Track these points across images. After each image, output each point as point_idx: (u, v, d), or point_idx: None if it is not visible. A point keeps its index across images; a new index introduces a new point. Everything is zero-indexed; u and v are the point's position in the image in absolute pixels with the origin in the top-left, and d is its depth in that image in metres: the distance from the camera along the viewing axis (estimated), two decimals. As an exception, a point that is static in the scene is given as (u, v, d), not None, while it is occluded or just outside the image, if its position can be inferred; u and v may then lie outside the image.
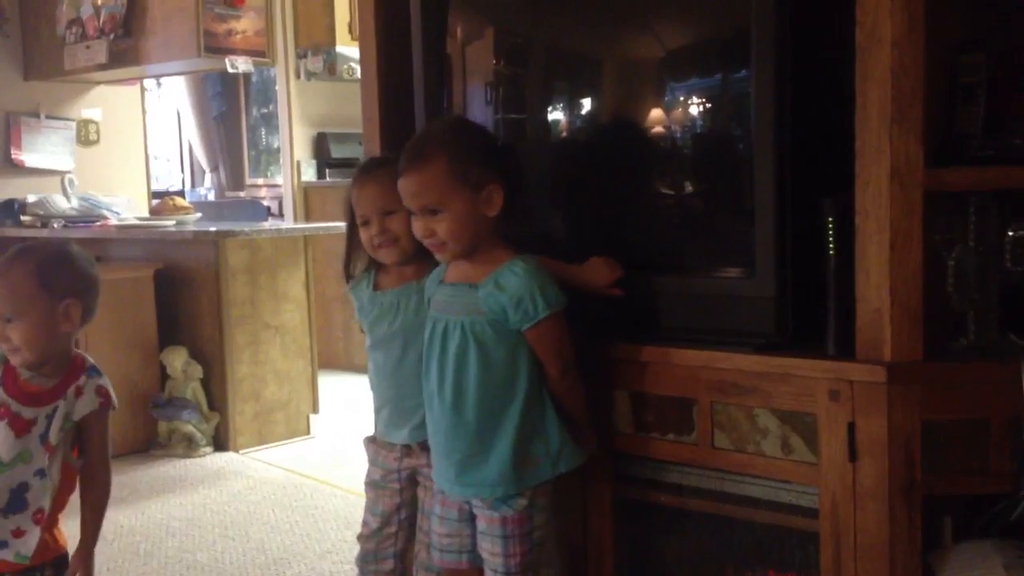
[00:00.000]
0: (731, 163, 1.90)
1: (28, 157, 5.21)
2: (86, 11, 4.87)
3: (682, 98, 1.99)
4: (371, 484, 2.13)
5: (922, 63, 1.62)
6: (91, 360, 1.95)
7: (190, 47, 4.58)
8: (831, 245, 1.71)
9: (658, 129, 2.00)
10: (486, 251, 1.81)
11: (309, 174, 6.38)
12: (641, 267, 1.90)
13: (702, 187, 1.98)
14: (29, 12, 5.25)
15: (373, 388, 2.11)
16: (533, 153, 2.20)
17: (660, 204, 2.03)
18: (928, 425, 1.65)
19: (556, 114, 2.21)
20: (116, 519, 3.52)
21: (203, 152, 8.50)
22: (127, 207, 5.39)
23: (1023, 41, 1.77)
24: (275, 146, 7.80)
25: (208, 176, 8.60)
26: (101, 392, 1.90)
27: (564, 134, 2.17)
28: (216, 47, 4.61)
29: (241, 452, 4.41)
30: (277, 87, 6.42)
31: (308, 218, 6.25)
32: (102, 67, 4.88)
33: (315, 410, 4.80)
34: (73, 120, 5.41)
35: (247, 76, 7.79)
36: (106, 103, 5.56)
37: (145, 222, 5.01)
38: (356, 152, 6.10)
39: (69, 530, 1.96)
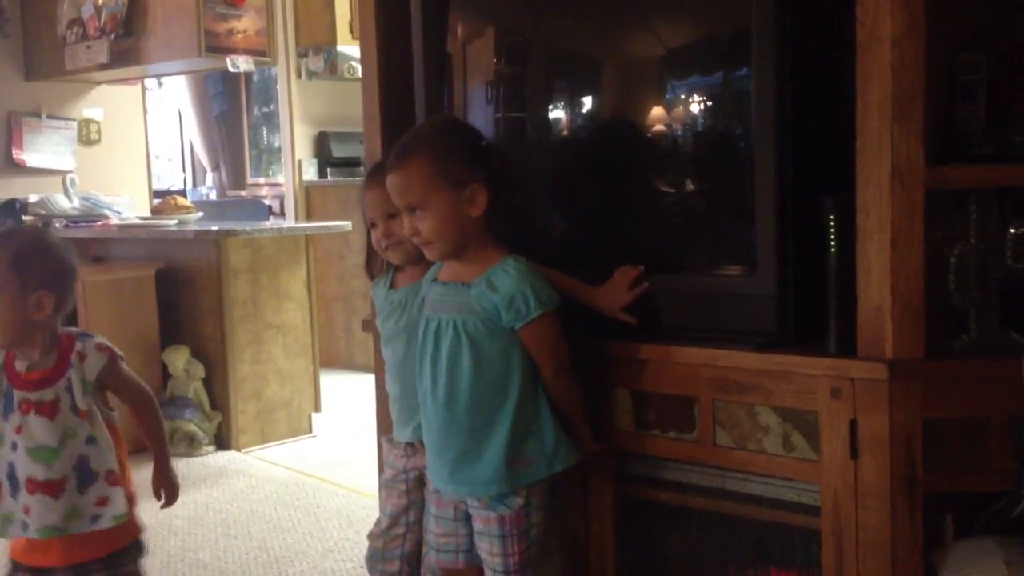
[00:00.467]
0: (732, 161, 1.90)
1: (29, 157, 5.22)
2: (87, 11, 4.87)
3: (683, 97, 1.99)
4: (383, 483, 2.16)
5: (923, 61, 1.62)
6: (77, 330, 1.99)
7: (191, 47, 4.58)
8: (832, 243, 1.72)
9: (659, 128, 2.00)
10: (477, 250, 1.81)
11: (310, 173, 6.38)
12: (640, 265, 1.90)
13: (703, 185, 1.98)
14: (30, 12, 5.25)
15: (387, 385, 2.13)
16: (533, 152, 2.21)
17: (661, 203, 2.04)
18: (929, 423, 1.65)
19: (557, 113, 2.21)
20: (119, 518, 3.53)
21: (204, 151, 8.50)
22: (128, 206, 5.40)
23: (1023, 40, 1.77)
24: (276, 145, 7.81)
25: (209, 175, 8.60)
26: (102, 348, 1.94)
27: (565, 133, 2.17)
28: (217, 46, 4.61)
29: (243, 451, 4.42)
30: (278, 86, 6.43)
31: (309, 217, 6.25)
32: (103, 67, 4.88)
33: (317, 409, 4.80)
34: (74, 120, 5.41)
35: (248, 75, 7.80)
36: (107, 103, 5.56)
37: (146, 221, 5.02)
38: (357, 151, 6.10)
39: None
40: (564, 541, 2.04)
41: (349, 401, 5.08)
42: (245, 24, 4.71)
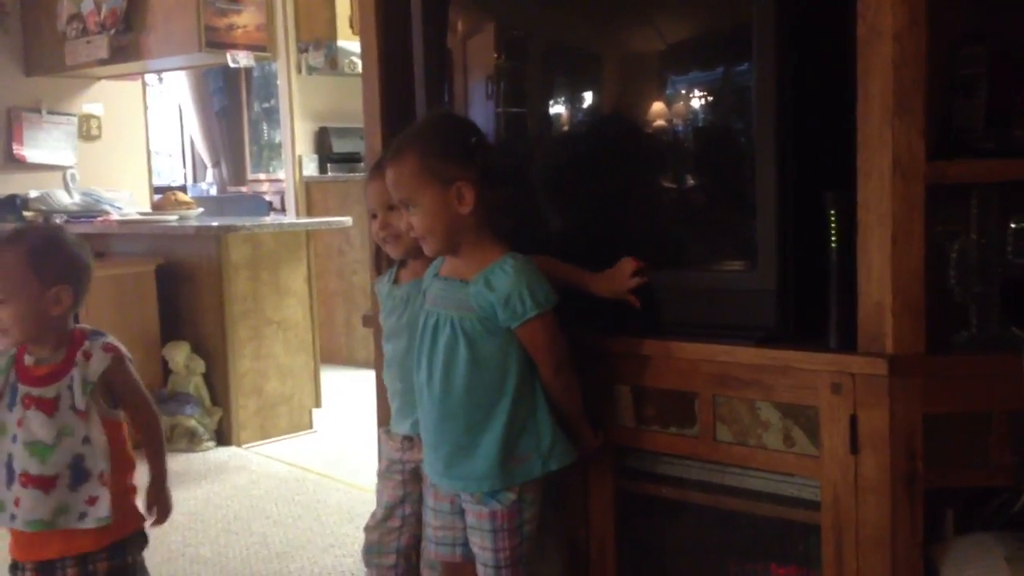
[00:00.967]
0: (733, 156, 1.90)
1: (30, 152, 5.22)
2: (87, 6, 4.87)
3: (683, 92, 1.99)
4: (379, 474, 2.16)
5: (923, 56, 1.62)
6: (90, 327, 1.99)
7: (191, 42, 4.58)
8: (833, 238, 1.72)
9: (659, 123, 2.00)
10: (475, 247, 1.82)
11: (311, 169, 6.38)
12: (643, 261, 1.90)
13: (704, 180, 1.98)
14: (30, 7, 5.25)
15: (386, 379, 2.13)
16: (534, 147, 2.21)
17: (661, 198, 2.04)
18: (929, 418, 1.65)
19: (557, 108, 2.21)
20: (119, 514, 3.53)
21: (205, 147, 8.50)
22: (129, 202, 5.40)
23: (1024, 34, 1.77)
24: (276, 141, 7.79)
25: (210, 171, 8.60)
26: (108, 348, 1.94)
27: (565, 128, 2.17)
28: (217, 42, 4.61)
29: (244, 446, 4.42)
30: (278, 82, 6.42)
31: (310, 213, 6.25)
32: (103, 62, 4.88)
33: (317, 404, 4.80)
34: (75, 115, 5.41)
35: (248, 71, 7.79)
36: (107, 98, 5.56)
37: (147, 217, 5.02)
38: (357, 147, 6.10)
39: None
40: (564, 537, 2.04)
41: (349, 397, 5.08)
42: (245, 19, 4.71)
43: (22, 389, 1.87)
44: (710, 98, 1.95)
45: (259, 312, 4.50)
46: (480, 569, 1.87)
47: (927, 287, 1.65)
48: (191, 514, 3.54)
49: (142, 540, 1.99)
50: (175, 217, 4.89)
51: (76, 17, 4.93)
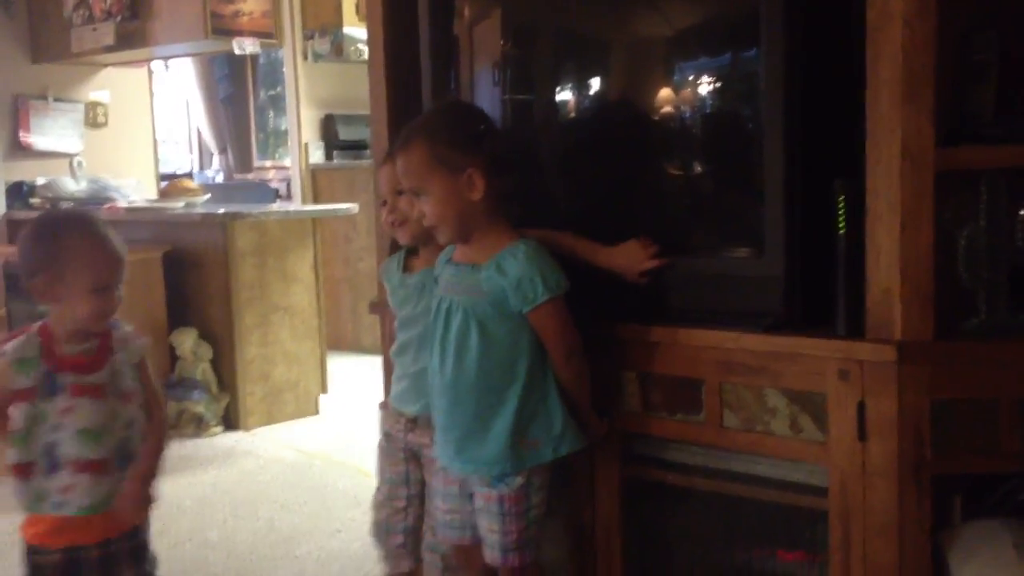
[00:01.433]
0: (741, 142, 1.89)
1: (36, 140, 5.22)
2: (93, -7, 4.87)
3: (691, 78, 1.98)
4: (379, 448, 2.19)
5: (934, 42, 1.61)
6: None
7: (197, 28, 4.58)
8: (841, 225, 1.71)
9: (667, 109, 1.99)
10: (487, 233, 1.83)
11: (317, 156, 6.37)
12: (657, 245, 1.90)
13: (711, 167, 1.98)
14: (36, -6, 5.24)
15: (395, 361, 2.14)
16: (541, 134, 2.20)
17: (669, 184, 2.03)
18: (938, 404, 1.65)
19: (564, 95, 2.21)
20: (127, 499, 3.54)
21: (211, 134, 8.49)
22: (136, 189, 5.40)
23: (1035, 19, 1.76)
24: (283, 128, 7.79)
25: (216, 159, 8.60)
26: (139, 335, 1.98)
27: (572, 114, 2.16)
28: (223, 28, 4.60)
29: (251, 432, 4.43)
30: (284, 69, 6.41)
31: (316, 200, 6.25)
32: (109, 49, 4.88)
33: (324, 390, 4.81)
34: (81, 102, 5.41)
35: (254, 58, 7.77)
36: (114, 85, 5.56)
37: (154, 204, 5.02)
38: (364, 134, 6.09)
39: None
40: (570, 522, 2.05)
41: (355, 382, 5.09)
42: (251, 6, 4.70)
43: (67, 378, 1.85)
44: (718, 84, 1.95)
45: (266, 299, 4.51)
46: (487, 552, 1.88)
47: (936, 274, 1.65)
48: (199, 499, 3.55)
49: (150, 522, 2.01)
50: (181, 204, 4.90)
51: (82, 4, 4.93)
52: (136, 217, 4.80)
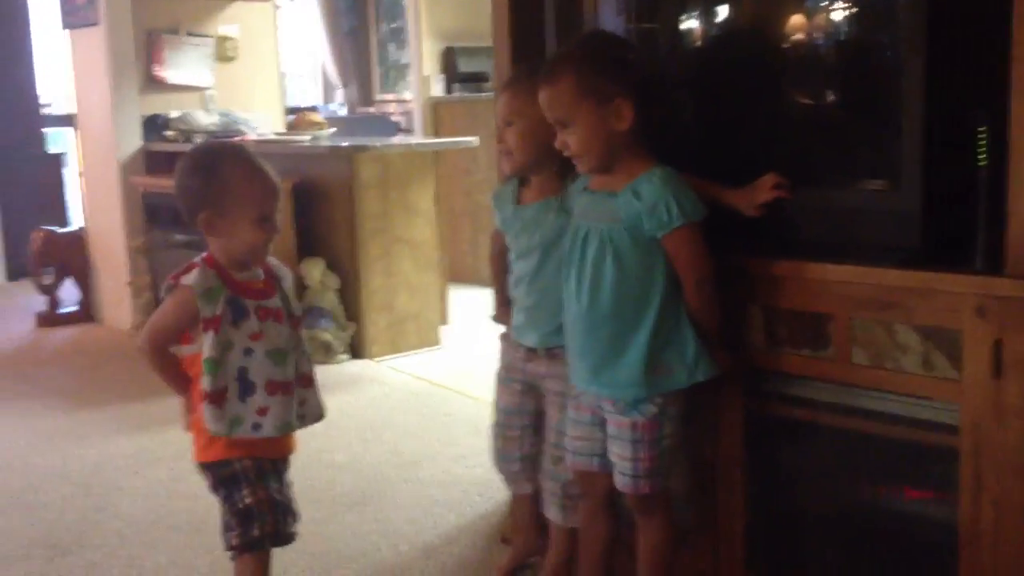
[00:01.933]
0: (877, 72, 1.83)
1: (169, 73, 5.37)
2: (222, -73, 4.95)
3: (824, 2, 1.92)
4: (498, 378, 2.24)
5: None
6: None
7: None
8: (982, 156, 1.65)
9: (799, 37, 1.94)
10: (626, 161, 1.83)
11: (437, 89, 6.41)
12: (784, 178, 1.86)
13: (846, 97, 1.93)
14: (168, -71, 5.35)
15: (512, 293, 2.16)
16: (668, 64, 2.17)
17: (800, 115, 1.99)
18: (1080, 343, 1.59)
19: (691, 22, 2.17)
20: (260, 421, 3.70)
21: (334, 68, 8.61)
22: (264, 122, 5.53)
23: None
24: (404, 61, 7.84)
25: (340, 92, 8.72)
26: (283, 265, 2.02)
27: (699, 43, 2.12)
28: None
29: (375, 360, 4.56)
30: (405, 1, 6.43)
31: (437, 133, 6.30)
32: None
33: (444, 321, 4.90)
34: (211, 36, 5.54)
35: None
36: (242, 19, 5.67)
37: (282, 137, 5.14)
38: (485, 66, 6.09)
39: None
40: (694, 456, 2.06)
41: (476, 314, 5.16)
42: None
43: (253, 303, 1.89)
44: (853, 10, 1.88)
45: (389, 230, 4.60)
46: (618, 478, 1.91)
47: (1083, 208, 1.58)
48: (327, 422, 3.60)
49: None
50: (308, 137, 5.00)
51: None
52: (265, 150, 4.91)
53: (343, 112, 8.53)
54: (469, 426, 3.59)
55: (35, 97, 7.18)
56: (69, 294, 5.64)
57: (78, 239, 5.60)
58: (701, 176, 1.89)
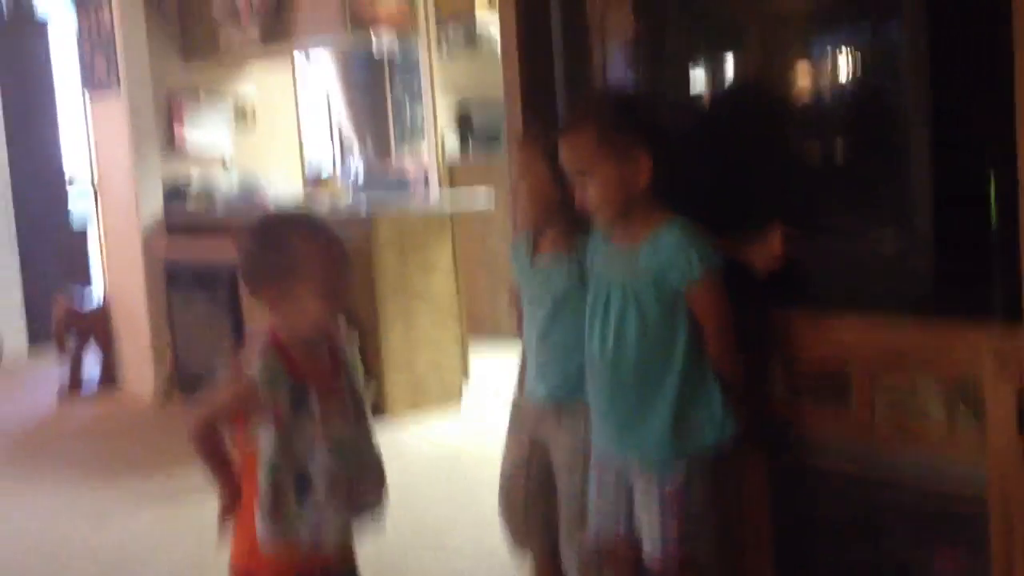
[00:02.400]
0: (885, 120, 1.82)
1: (189, 137, 5.42)
2: (240, -9, 5.02)
3: (829, 53, 1.92)
4: (508, 431, 2.24)
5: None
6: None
7: (337, 22, 4.68)
8: (993, 204, 1.62)
9: (806, 85, 1.94)
10: (643, 214, 1.85)
11: (452, 145, 6.44)
12: (793, 229, 1.84)
13: (854, 145, 1.92)
14: (187, -6, 5.44)
15: (525, 348, 2.16)
16: (677, 115, 2.17)
17: (811, 165, 1.97)
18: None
19: (697, 75, 2.17)
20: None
21: (350, 126, 8.69)
22: (283, 185, 5.57)
23: None
24: (419, 119, 7.90)
25: (356, 149, 8.79)
26: (347, 326, 1.93)
27: (708, 94, 2.13)
28: (361, 19, 4.69)
29: (396, 419, 4.53)
30: (419, 59, 6.49)
31: (452, 186, 6.31)
32: (255, 45, 5.03)
33: (466, 376, 4.88)
34: (229, 98, 5.59)
35: (390, 50, 7.90)
36: (260, 81, 5.72)
37: (300, 199, 5.17)
38: (499, 122, 6.11)
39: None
40: (718, 514, 2.01)
41: (496, 367, 5.13)
42: (388, -1, 4.77)
43: (314, 389, 1.75)
44: (858, 59, 1.88)
45: (407, 288, 4.61)
46: (646, 545, 1.87)
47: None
48: (348, 485, 3.64)
49: None
50: (326, 199, 5.03)
51: (229, 1, 5.09)
52: (283, 212, 4.96)
53: (359, 170, 8.59)
54: (493, 490, 3.54)
55: (59, 164, 7.28)
56: (90, 361, 5.66)
57: (100, 305, 5.64)
58: (713, 229, 1.88)
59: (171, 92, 5.35)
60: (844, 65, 1.90)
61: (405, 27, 4.98)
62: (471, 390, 4.85)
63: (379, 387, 4.56)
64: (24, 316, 6.83)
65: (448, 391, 4.75)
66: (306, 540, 1.73)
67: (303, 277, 1.73)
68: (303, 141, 6.21)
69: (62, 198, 7.24)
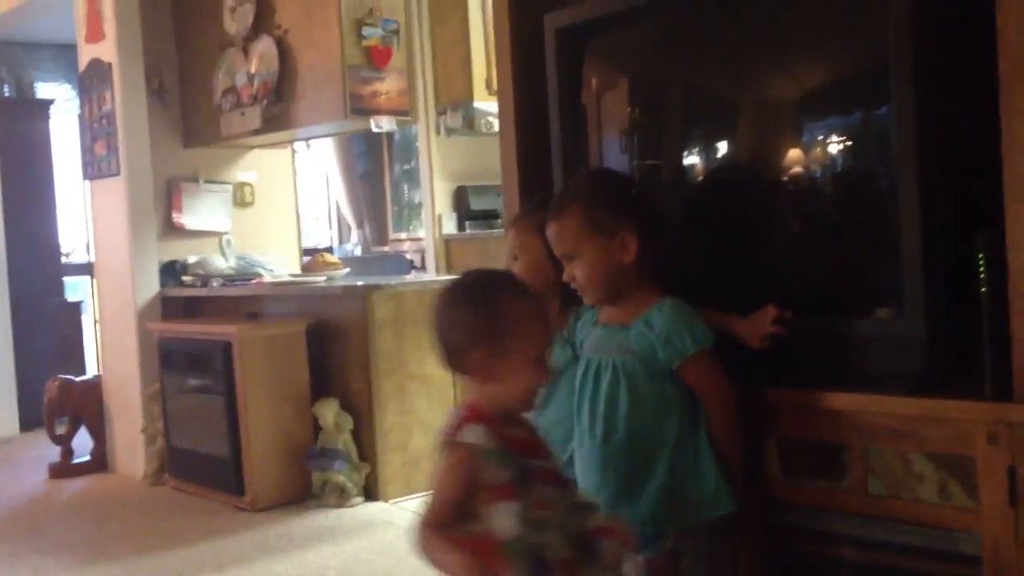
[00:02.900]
0: (875, 201, 1.86)
1: (188, 220, 5.47)
2: (240, 80, 5.12)
3: (821, 137, 1.97)
4: None
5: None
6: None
7: (337, 110, 4.76)
8: (983, 282, 1.66)
9: (797, 169, 1.98)
10: (633, 293, 1.86)
11: (450, 226, 6.50)
12: (787, 309, 1.87)
13: (846, 227, 1.95)
14: (188, 83, 5.54)
15: None
16: (672, 198, 2.21)
17: (803, 245, 2.01)
18: (1098, 468, 1.56)
19: (692, 158, 2.22)
20: (274, 569, 3.63)
21: (349, 209, 8.78)
22: (280, 264, 5.61)
23: None
24: (417, 201, 7.99)
25: (354, 232, 8.87)
26: None
27: (701, 178, 2.17)
28: (362, 108, 4.78)
29: (390, 502, 4.49)
30: (418, 143, 6.59)
31: (449, 269, 6.36)
32: (256, 132, 5.12)
33: (461, 458, 4.83)
34: (229, 184, 5.67)
35: (390, 135, 8.03)
36: (260, 166, 5.81)
37: (297, 279, 5.20)
38: (495, 204, 6.19)
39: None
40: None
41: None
42: (388, 86, 4.86)
43: (534, 465, 1.61)
44: (849, 142, 1.92)
45: (403, 368, 4.60)
46: None
47: (1089, 330, 1.57)
48: (342, 569, 3.61)
49: None
50: (323, 278, 5.06)
51: (231, 91, 5.19)
52: (281, 291, 4.99)
53: (358, 251, 8.65)
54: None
55: (56, 245, 7.33)
56: (82, 443, 5.62)
57: (93, 387, 5.61)
58: (705, 307, 1.90)
59: (171, 178, 5.43)
60: (834, 149, 1.94)
61: (405, 113, 5.06)
62: (466, 472, 4.80)
63: (372, 470, 4.53)
64: (16, 399, 6.78)
65: (443, 473, 4.70)
66: None
67: (514, 342, 1.58)
68: (300, 221, 6.27)
69: (58, 277, 7.27)
